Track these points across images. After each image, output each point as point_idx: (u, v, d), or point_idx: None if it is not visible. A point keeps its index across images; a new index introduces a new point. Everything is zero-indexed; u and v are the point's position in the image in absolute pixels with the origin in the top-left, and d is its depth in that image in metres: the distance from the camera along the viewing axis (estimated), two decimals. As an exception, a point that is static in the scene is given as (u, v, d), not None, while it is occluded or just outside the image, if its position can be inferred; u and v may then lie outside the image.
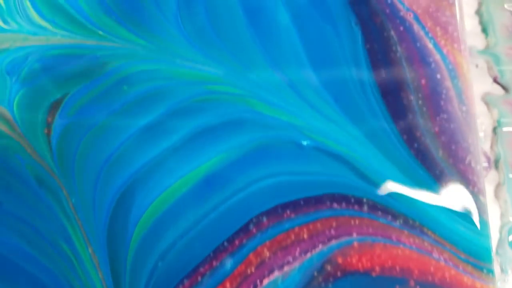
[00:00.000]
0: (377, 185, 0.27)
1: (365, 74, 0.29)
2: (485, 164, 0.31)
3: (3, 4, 0.30)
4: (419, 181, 0.27)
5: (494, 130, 0.31)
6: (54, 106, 0.28)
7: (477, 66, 0.32)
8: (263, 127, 0.28)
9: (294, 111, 0.28)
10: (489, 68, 0.32)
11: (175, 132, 0.27)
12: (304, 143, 0.27)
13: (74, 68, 0.28)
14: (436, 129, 0.28)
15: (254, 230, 0.26)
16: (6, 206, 0.26)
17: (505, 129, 0.31)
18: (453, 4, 0.30)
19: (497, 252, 0.29)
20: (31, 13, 0.29)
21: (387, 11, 0.30)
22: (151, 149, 0.27)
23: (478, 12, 0.33)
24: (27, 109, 0.28)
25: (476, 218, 0.27)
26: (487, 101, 0.32)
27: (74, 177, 0.27)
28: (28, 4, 0.30)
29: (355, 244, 0.26)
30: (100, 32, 0.29)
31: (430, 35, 0.29)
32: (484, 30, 0.33)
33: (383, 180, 0.27)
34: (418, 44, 0.29)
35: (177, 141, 0.27)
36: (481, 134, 0.31)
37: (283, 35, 0.29)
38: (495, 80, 0.32)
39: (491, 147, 0.31)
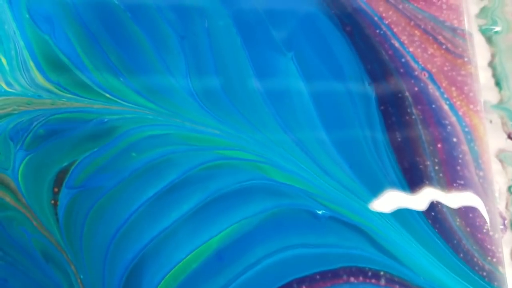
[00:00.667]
0: (394, 257, 0.26)
1: (380, 138, 0.28)
2: (501, 226, 0.30)
3: (6, 65, 0.28)
4: (437, 252, 0.26)
5: (510, 189, 0.30)
6: (61, 175, 0.27)
7: (491, 121, 0.31)
8: (276, 195, 0.27)
9: (308, 178, 0.27)
10: (503, 124, 0.31)
11: (185, 201, 0.26)
12: (320, 212, 0.26)
13: (81, 133, 0.27)
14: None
15: (269, 307, 0.25)
16: (11, 283, 0.25)
17: (520, 188, 0.30)
18: (468, 62, 0.29)
19: (514, 318, 0.28)
20: (35, 74, 0.28)
21: (401, 70, 0.29)
22: (161, 220, 0.26)
23: (491, 65, 0.32)
24: (33, 178, 0.27)
25: (495, 290, 0.26)
26: (502, 158, 0.31)
27: (82, 252, 0.26)
28: (32, 64, 0.28)
29: (373, 320, 0.25)
30: (108, 95, 0.28)
31: (445, 95, 0.29)
32: (498, 84, 0.32)
33: (401, 252, 0.26)
34: (433, 106, 0.28)
35: (188, 211, 0.26)
36: (495, 194, 0.30)
37: (295, 97, 0.28)
38: (510, 137, 0.31)
39: (506, 207, 0.30)
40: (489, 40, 0.33)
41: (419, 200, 0.27)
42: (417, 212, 0.27)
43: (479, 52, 0.32)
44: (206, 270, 0.25)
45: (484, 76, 0.32)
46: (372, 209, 0.26)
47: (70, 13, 0.29)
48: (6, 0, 0.29)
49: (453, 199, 0.27)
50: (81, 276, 0.25)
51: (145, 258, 0.25)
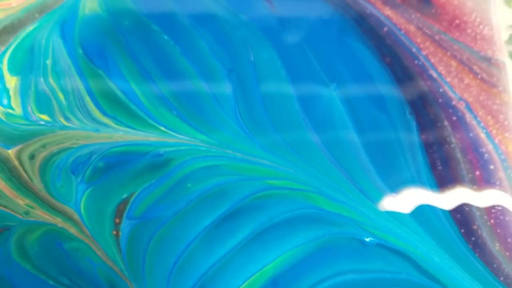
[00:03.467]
0: (438, 281, 0.27)
1: (422, 168, 0.28)
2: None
3: (63, 100, 0.29)
4: (478, 275, 0.27)
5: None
6: (121, 206, 0.27)
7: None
8: (326, 224, 0.27)
9: (355, 206, 0.28)
10: (534, 147, 0.32)
11: (239, 230, 0.27)
12: (367, 239, 0.27)
13: (138, 165, 0.28)
14: (492, 221, 0.28)
15: (323, 331, 0.26)
16: (80, 311, 0.26)
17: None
18: (503, 91, 0.30)
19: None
20: (92, 109, 0.29)
21: (440, 100, 0.30)
22: (217, 249, 0.27)
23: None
24: (95, 210, 0.28)
25: (533, 311, 0.27)
26: (533, 181, 0.32)
27: (145, 280, 0.27)
28: (88, 99, 0.29)
29: None
30: (163, 128, 0.29)
31: (482, 124, 0.29)
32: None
33: (444, 276, 0.27)
34: (471, 134, 0.29)
35: (242, 240, 0.27)
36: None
37: (339, 127, 0.29)
38: (540, 160, 0.32)
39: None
40: (518, 65, 0.33)
41: (460, 224, 0.28)
42: (458, 237, 0.27)
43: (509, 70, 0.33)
44: (263, 297, 0.26)
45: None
46: (413, 233, 0.27)
47: (122, 48, 0.30)
48: (60, 36, 0.30)
49: (492, 224, 0.28)
50: (145, 303, 0.26)
51: (204, 285, 0.26)
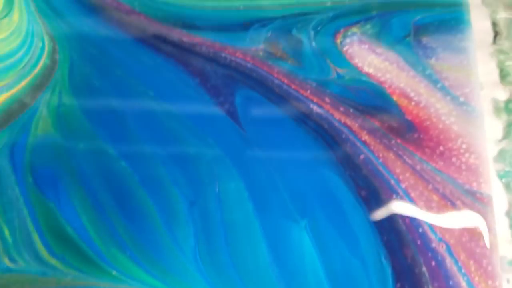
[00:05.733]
0: None
1: (396, 322, 0.26)
2: None
3: (9, 237, 0.27)
4: None
5: None
6: None
7: (508, 281, 0.30)
8: None
9: None
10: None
11: None
12: None
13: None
14: None
15: None
16: None
17: None
18: (488, 231, 0.28)
19: None
20: (40, 248, 0.26)
21: (419, 242, 0.27)
22: None
23: (509, 215, 0.31)
24: None
25: None
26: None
27: None
28: (36, 237, 0.27)
29: None
30: (114, 272, 0.26)
31: (463, 270, 0.27)
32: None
33: None
34: (451, 282, 0.27)
35: None
36: None
37: (309, 272, 0.27)
38: (527, 297, 0.29)
39: None
40: (507, 186, 0.31)
41: None
42: None
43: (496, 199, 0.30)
44: None
45: (500, 226, 0.30)
46: None
47: (75, 177, 0.27)
48: (9, 161, 0.28)
49: None
50: None
51: None
